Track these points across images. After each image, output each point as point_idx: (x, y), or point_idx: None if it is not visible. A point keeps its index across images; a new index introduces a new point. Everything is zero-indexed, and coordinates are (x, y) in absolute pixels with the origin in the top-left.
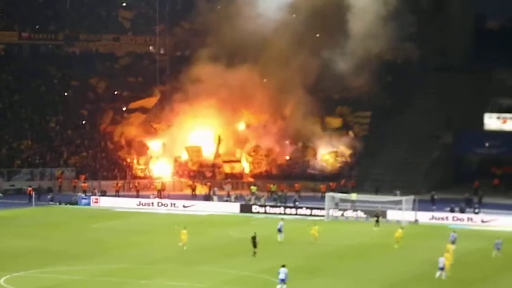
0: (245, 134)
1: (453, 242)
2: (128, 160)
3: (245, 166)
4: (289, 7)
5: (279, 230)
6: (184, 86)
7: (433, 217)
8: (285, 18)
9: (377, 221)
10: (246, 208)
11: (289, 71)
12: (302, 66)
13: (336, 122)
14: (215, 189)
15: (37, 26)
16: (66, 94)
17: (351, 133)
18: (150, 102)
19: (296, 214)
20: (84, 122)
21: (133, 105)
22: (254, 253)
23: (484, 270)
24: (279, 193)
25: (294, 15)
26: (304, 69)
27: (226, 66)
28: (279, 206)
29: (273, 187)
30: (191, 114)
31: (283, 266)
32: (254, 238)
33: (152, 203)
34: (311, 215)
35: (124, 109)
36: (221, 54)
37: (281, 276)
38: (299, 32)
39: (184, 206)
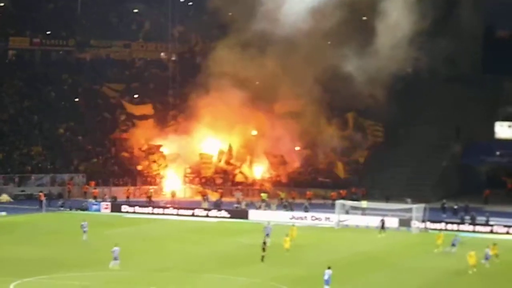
0: (257, 140)
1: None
2: (139, 166)
3: (256, 173)
4: (316, 12)
5: (267, 235)
6: (199, 85)
7: (443, 225)
8: (309, 22)
9: (382, 227)
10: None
11: (307, 69)
12: (320, 66)
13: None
14: (208, 196)
15: (49, 33)
16: (76, 100)
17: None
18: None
19: (305, 219)
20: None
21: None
22: (262, 257)
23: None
24: (289, 200)
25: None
26: (321, 69)
27: (244, 60)
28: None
29: (282, 194)
30: (208, 110)
31: (329, 268)
32: (264, 244)
33: (163, 210)
34: (316, 219)
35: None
36: (238, 48)
37: (325, 277)
38: (323, 34)
39: (193, 214)
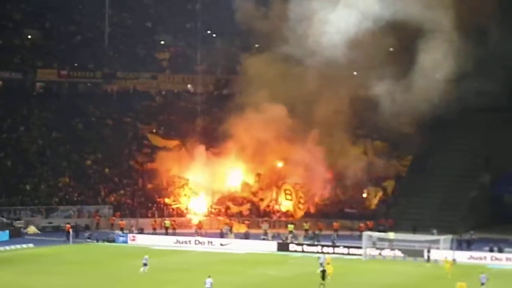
0: (283, 171)
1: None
2: (165, 198)
3: (283, 205)
4: (353, 42)
5: (321, 264)
6: (229, 112)
7: (471, 257)
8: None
9: (428, 258)
10: (283, 247)
11: (338, 92)
12: (351, 92)
13: (381, 145)
14: (227, 227)
15: (76, 65)
16: (103, 132)
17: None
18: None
19: (333, 252)
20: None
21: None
22: (322, 285)
23: None
24: (316, 232)
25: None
26: (352, 95)
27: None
28: (316, 245)
29: (305, 225)
30: (238, 137)
31: None
32: (323, 272)
33: (189, 241)
34: (348, 253)
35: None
36: (269, 72)
37: None
38: (359, 62)
39: (221, 245)
